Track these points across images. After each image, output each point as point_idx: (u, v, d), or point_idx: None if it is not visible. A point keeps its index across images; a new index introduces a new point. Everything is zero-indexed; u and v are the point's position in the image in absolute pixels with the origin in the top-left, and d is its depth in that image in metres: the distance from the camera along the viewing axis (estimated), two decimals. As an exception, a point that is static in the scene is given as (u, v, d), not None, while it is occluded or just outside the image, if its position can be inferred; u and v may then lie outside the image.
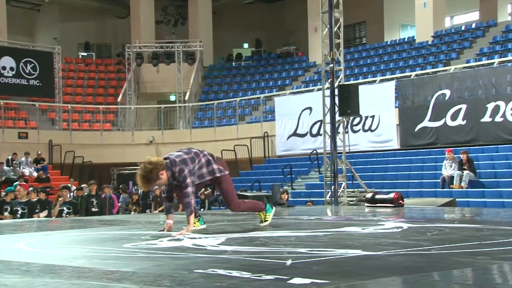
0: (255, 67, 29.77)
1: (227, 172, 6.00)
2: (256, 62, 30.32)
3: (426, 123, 17.40)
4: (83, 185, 16.83)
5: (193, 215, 5.75)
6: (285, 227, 6.40)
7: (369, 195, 10.60)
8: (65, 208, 11.37)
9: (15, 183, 18.09)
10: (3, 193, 17.82)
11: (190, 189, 5.67)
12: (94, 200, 14.38)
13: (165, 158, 5.73)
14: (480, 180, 14.61)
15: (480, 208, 11.11)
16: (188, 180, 5.67)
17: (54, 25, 32.28)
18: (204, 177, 5.91)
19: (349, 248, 4.41)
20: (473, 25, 24.41)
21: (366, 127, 18.70)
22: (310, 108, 20.13)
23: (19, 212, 10.79)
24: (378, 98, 18.24)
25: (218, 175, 5.92)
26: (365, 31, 30.94)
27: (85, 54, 31.68)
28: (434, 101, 17.19)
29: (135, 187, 20.10)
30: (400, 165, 17.12)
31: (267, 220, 6.34)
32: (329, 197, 13.63)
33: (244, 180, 20.17)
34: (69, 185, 16.58)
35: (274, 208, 6.53)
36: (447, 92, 17.05)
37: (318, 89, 19.74)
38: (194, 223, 5.95)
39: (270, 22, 33.31)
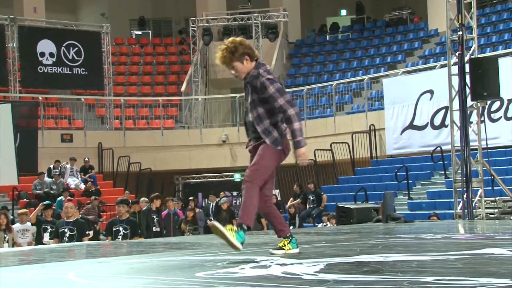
0: (356, 40, 29.57)
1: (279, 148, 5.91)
2: (357, 33, 30.11)
3: None
4: (142, 199, 17.29)
5: (303, 139, 5.77)
6: (403, 249, 6.33)
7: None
8: (121, 229, 11.75)
9: (58, 198, 18.83)
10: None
11: (292, 111, 5.80)
12: (155, 216, 14.79)
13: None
14: None
15: None
16: (283, 101, 5.88)
17: (101, -3, 33.45)
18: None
19: (492, 276, 4.30)
20: None
21: (510, 114, 18.19)
22: (431, 92, 19.83)
23: (67, 235, 11.23)
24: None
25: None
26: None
27: (140, 32, 32.57)
28: None
29: (206, 200, 20.52)
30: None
31: (283, 249, 5.90)
32: (460, 209, 13.43)
33: (345, 188, 20.10)
34: (126, 198, 17.14)
35: (298, 248, 6.01)
36: None
37: (442, 66, 19.37)
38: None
39: (375, -20, 33.00)
